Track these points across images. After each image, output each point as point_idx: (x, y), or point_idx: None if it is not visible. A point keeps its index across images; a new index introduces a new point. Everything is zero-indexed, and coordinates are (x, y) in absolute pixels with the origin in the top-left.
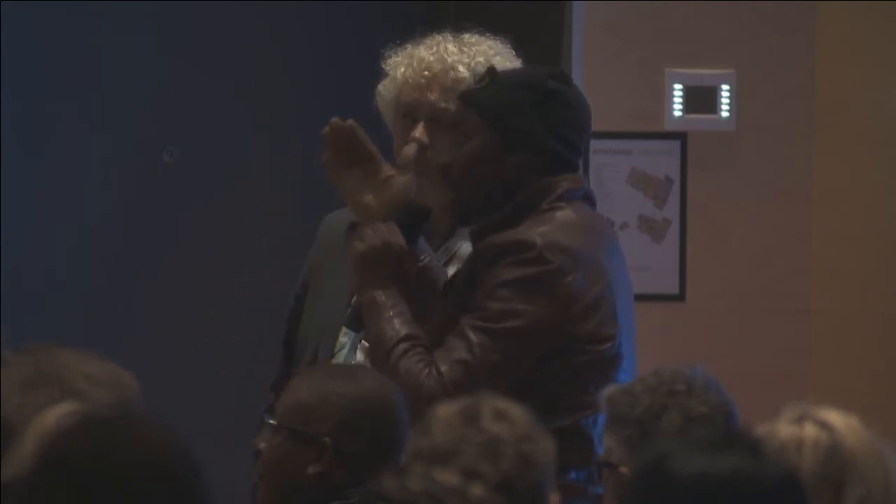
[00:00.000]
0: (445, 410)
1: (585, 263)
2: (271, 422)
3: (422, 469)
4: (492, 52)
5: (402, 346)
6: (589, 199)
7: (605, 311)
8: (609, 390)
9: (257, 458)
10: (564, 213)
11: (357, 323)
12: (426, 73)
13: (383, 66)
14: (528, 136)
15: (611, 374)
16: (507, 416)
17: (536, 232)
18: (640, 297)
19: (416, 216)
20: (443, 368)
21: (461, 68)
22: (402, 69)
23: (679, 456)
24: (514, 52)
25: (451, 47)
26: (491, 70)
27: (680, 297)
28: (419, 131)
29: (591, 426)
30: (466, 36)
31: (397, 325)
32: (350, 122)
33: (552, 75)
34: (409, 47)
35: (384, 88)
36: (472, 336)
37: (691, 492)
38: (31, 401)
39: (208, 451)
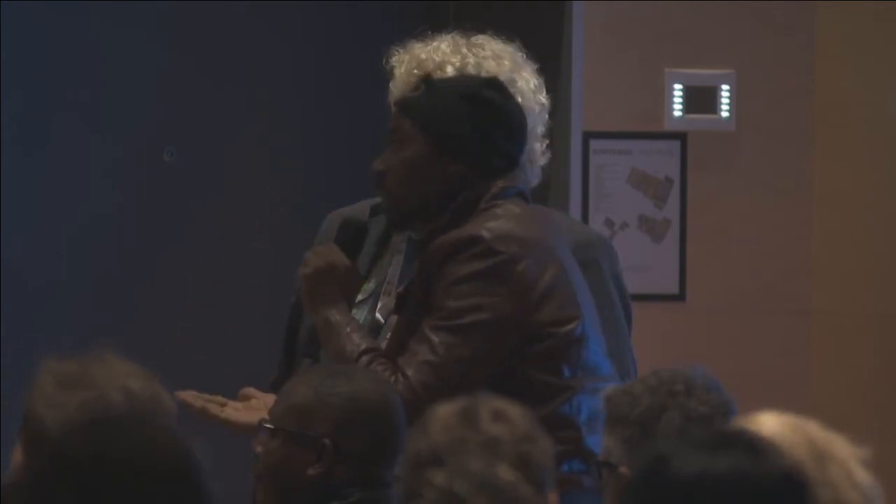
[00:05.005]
0: (443, 411)
1: (534, 249)
2: (268, 425)
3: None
4: (488, 55)
5: (364, 359)
6: (523, 196)
7: (563, 292)
8: (609, 390)
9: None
10: (505, 208)
11: (313, 348)
12: (415, 71)
13: (390, 63)
14: (462, 145)
15: (578, 355)
16: (505, 417)
17: (483, 227)
18: (640, 297)
19: (355, 232)
20: (409, 372)
21: (449, 69)
22: (403, 66)
23: (678, 456)
24: (523, 57)
25: (443, 46)
26: (426, 78)
27: (680, 297)
28: None
29: (574, 413)
30: (476, 38)
31: (356, 339)
32: None
33: (488, 85)
34: (413, 44)
35: (392, 85)
36: (434, 337)
37: (691, 492)
38: (62, 400)
39: (208, 451)
